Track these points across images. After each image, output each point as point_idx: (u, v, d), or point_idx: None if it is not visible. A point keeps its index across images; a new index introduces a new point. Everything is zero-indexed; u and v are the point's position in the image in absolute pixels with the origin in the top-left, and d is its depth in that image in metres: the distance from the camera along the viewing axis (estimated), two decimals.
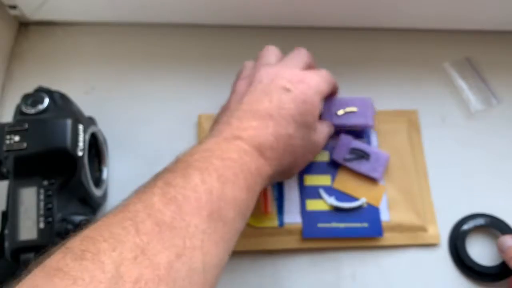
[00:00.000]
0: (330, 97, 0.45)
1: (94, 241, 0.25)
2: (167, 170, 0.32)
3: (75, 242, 0.26)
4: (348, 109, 0.46)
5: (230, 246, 0.32)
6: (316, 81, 0.39)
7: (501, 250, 0.43)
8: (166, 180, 0.30)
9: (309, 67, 0.42)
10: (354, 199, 0.45)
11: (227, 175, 0.32)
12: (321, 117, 0.44)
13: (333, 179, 0.46)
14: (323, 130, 0.43)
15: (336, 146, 0.47)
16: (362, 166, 0.46)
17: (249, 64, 0.43)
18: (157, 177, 0.31)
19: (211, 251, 0.28)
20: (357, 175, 0.46)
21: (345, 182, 0.46)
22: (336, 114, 0.46)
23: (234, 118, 0.37)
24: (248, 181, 0.33)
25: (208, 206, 0.29)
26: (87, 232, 0.27)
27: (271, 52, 0.42)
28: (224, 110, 0.39)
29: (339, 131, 0.47)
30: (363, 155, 0.46)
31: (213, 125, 0.39)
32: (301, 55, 0.42)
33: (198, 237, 0.27)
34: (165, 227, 0.26)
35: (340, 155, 0.46)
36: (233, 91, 0.41)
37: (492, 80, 0.52)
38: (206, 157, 0.32)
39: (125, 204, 0.29)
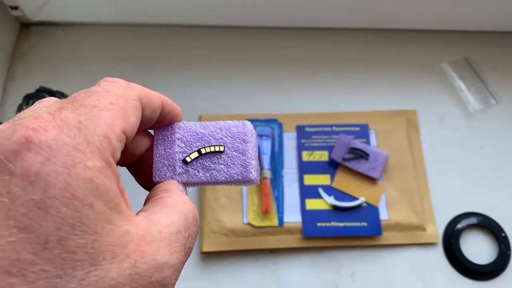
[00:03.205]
0: (166, 125, 0.23)
1: None
2: None
3: None
4: (208, 148, 0.23)
5: None
6: (76, 123, 0.16)
7: None
8: None
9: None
10: (353, 198, 0.46)
11: None
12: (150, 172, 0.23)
13: (332, 179, 0.47)
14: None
15: (335, 145, 0.47)
16: (361, 166, 0.46)
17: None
18: None
19: None
20: (356, 174, 0.47)
21: (344, 182, 0.46)
22: (183, 162, 0.23)
23: None
24: None
25: None
26: None
27: (38, 104, 0.19)
28: None
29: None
30: (362, 155, 0.46)
31: None
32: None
33: None
34: None
35: (339, 154, 0.47)
36: None
37: (490, 80, 0.53)
38: None
39: None
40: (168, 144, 0.23)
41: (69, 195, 0.15)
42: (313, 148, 0.48)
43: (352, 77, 0.53)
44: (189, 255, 0.18)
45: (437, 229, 0.46)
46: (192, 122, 0.23)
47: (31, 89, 0.42)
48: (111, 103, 0.17)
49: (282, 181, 0.47)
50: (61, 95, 0.42)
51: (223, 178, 0.22)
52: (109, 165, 0.16)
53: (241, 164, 0.22)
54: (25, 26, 0.56)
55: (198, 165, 0.22)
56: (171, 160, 0.22)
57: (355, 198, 0.46)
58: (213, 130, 0.23)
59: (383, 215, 0.45)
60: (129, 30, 0.56)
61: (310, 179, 0.47)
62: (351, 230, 0.45)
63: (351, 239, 0.45)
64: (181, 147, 0.23)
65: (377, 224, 0.45)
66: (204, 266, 0.44)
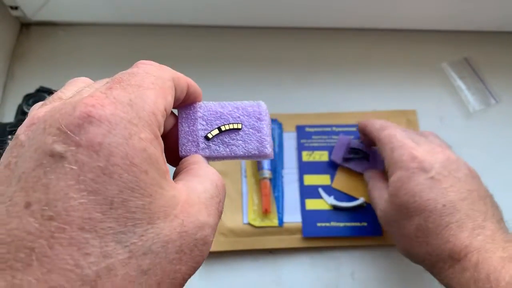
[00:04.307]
0: (189, 105, 0.26)
1: None
2: None
3: None
4: (227, 126, 0.25)
5: None
6: (127, 100, 0.18)
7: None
8: None
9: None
10: (353, 198, 0.46)
11: None
12: (178, 147, 0.25)
13: (332, 179, 0.47)
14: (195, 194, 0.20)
15: (335, 146, 0.47)
16: (360, 166, 0.46)
17: (34, 107, 0.22)
18: None
19: None
20: (356, 174, 0.47)
21: (344, 182, 0.46)
22: (205, 138, 0.25)
23: None
24: None
25: None
26: None
27: (74, 83, 0.23)
28: None
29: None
30: (362, 155, 0.46)
31: None
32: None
33: None
34: None
35: (339, 155, 0.47)
36: None
37: (490, 80, 0.53)
38: None
39: None
40: (191, 122, 0.25)
41: (128, 163, 0.17)
42: (313, 148, 0.48)
43: (352, 77, 0.53)
44: (220, 218, 0.21)
45: None
46: (211, 102, 0.25)
47: (31, 89, 0.42)
48: (152, 83, 0.20)
49: (282, 181, 0.47)
50: None
51: (241, 153, 0.25)
52: (156, 137, 0.19)
53: (257, 140, 0.25)
54: (25, 26, 0.56)
55: (219, 141, 0.25)
56: (195, 136, 0.25)
57: (355, 198, 0.46)
58: (231, 109, 0.25)
59: None
60: (129, 30, 0.56)
61: (310, 179, 0.47)
62: (351, 230, 0.45)
63: (351, 239, 0.45)
64: (203, 125, 0.25)
65: (377, 224, 0.45)
66: (203, 266, 0.44)
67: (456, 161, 0.37)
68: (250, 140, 0.25)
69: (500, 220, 0.35)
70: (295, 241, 0.45)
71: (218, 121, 0.25)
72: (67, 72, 0.53)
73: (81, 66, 0.54)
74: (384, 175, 0.43)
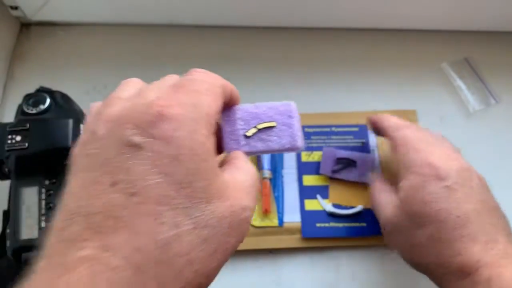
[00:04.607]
0: (229, 108, 0.29)
1: None
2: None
3: None
4: (263, 124, 0.29)
5: None
6: (191, 103, 0.22)
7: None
8: None
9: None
10: (351, 207, 0.46)
11: None
12: (221, 144, 0.28)
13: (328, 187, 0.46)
14: (237, 178, 0.24)
15: (322, 160, 0.47)
16: (351, 174, 0.46)
17: (94, 106, 0.25)
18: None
19: None
20: (349, 183, 0.46)
21: (339, 195, 0.46)
22: (244, 136, 0.28)
23: (57, 235, 0.21)
24: None
25: None
26: None
27: (130, 84, 0.25)
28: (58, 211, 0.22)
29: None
30: (349, 163, 0.46)
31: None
32: (171, 77, 0.26)
33: None
34: None
35: (327, 168, 0.46)
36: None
37: (490, 80, 0.53)
38: None
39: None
40: (232, 123, 0.28)
41: (193, 153, 0.21)
42: (312, 149, 0.48)
43: (352, 77, 0.53)
44: (256, 204, 0.25)
45: None
46: (247, 104, 0.29)
47: (31, 89, 0.42)
48: (207, 90, 0.24)
49: (282, 181, 0.47)
50: (61, 95, 0.42)
51: (277, 147, 0.28)
52: (211, 134, 0.23)
53: (290, 135, 0.28)
54: (25, 26, 0.56)
55: (256, 138, 0.28)
56: (236, 135, 0.28)
57: (353, 207, 0.45)
58: (265, 109, 0.29)
59: None
60: (129, 30, 0.56)
61: (309, 180, 0.47)
62: (350, 230, 0.45)
63: (351, 239, 0.45)
64: (241, 125, 0.28)
65: (377, 224, 0.45)
66: None
67: (468, 169, 0.37)
68: (284, 135, 0.29)
69: (509, 233, 0.35)
70: (295, 241, 0.45)
71: (254, 121, 0.29)
72: (67, 72, 0.53)
73: (81, 66, 0.54)
74: (387, 177, 0.42)
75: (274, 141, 0.28)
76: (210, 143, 0.22)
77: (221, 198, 0.22)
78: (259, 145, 0.28)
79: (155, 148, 0.21)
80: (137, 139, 0.21)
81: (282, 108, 0.29)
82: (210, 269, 0.21)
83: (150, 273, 0.19)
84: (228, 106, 0.28)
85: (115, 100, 0.23)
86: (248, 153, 0.28)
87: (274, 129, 0.29)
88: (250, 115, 0.29)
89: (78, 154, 0.23)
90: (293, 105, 0.29)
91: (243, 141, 0.28)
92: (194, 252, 0.20)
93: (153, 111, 0.21)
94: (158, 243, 0.20)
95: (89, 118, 0.24)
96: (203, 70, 0.26)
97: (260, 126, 0.29)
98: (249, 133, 0.28)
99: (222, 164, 0.26)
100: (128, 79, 0.26)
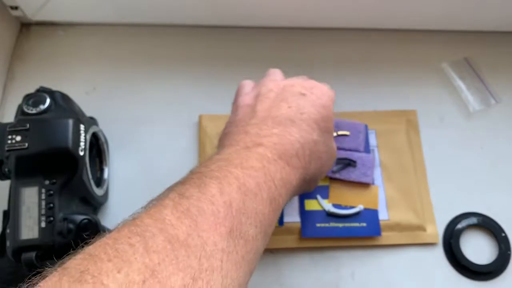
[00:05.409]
0: None
1: (96, 260, 0.21)
2: (179, 183, 0.28)
3: (74, 261, 0.22)
4: (341, 132, 0.47)
5: (252, 269, 0.27)
6: (326, 88, 0.38)
7: None
8: (178, 191, 0.26)
9: None
10: (351, 207, 0.46)
11: (249, 185, 0.28)
12: None
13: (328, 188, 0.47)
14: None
15: None
16: (351, 174, 0.46)
17: (247, 82, 0.40)
18: (168, 190, 0.28)
19: (231, 274, 0.24)
20: (349, 183, 0.46)
21: (339, 195, 0.46)
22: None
23: (251, 125, 0.34)
24: (272, 193, 0.29)
25: (227, 221, 0.25)
26: (89, 249, 0.23)
27: (277, 72, 0.40)
28: (233, 122, 0.36)
29: None
30: (349, 163, 0.46)
31: (222, 139, 0.35)
32: (299, 77, 0.40)
33: (216, 256, 0.23)
34: (178, 245, 0.23)
35: None
36: (237, 107, 0.37)
37: (490, 80, 0.53)
38: (224, 166, 0.28)
39: (133, 217, 0.25)
40: None
41: (329, 108, 0.38)
42: None
43: (352, 77, 0.53)
44: None
45: (437, 229, 0.46)
46: (334, 118, 0.39)
47: (31, 89, 0.42)
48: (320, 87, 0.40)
49: None
50: (61, 95, 0.42)
51: (348, 147, 0.47)
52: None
53: (358, 142, 0.47)
54: (25, 26, 0.56)
55: (338, 139, 0.47)
56: None
57: (354, 207, 0.45)
58: (344, 124, 0.48)
59: (383, 215, 0.45)
60: (129, 30, 0.56)
61: None
62: (350, 231, 0.44)
63: (351, 239, 0.45)
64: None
65: (377, 224, 0.45)
66: None
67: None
68: (354, 141, 0.47)
69: None
70: (295, 241, 0.45)
71: (336, 129, 0.47)
72: (67, 72, 0.53)
73: (81, 66, 0.54)
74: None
75: (346, 143, 0.47)
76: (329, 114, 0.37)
77: (329, 134, 0.37)
78: (336, 143, 0.41)
79: (313, 97, 0.36)
80: (304, 91, 0.36)
81: (353, 124, 0.48)
82: (329, 166, 0.39)
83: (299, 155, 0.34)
84: None
85: (277, 75, 0.39)
86: None
87: (348, 136, 0.47)
88: (335, 125, 0.44)
89: (258, 99, 0.37)
90: (362, 124, 0.48)
91: None
92: (321, 151, 0.36)
93: (307, 84, 0.37)
94: (311, 139, 0.34)
95: (264, 82, 0.38)
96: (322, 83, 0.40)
97: (339, 133, 0.47)
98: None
99: None
100: (274, 69, 0.40)
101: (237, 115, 0.36)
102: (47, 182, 0.38)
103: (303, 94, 0.36)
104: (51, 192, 0.37)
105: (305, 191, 0.39)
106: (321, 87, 0.37)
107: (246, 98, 0.37)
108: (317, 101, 0.36)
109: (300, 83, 0.37)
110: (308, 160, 0.34)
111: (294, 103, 0.35)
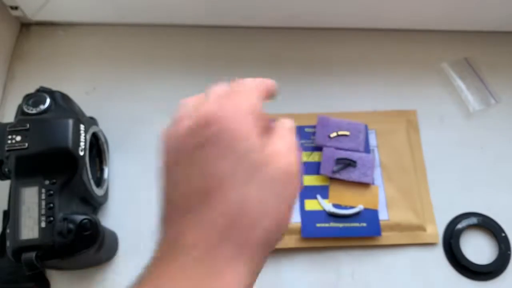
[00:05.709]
0: (325, 117, 0.48)
1: None
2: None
3: None
4: (341, 132, 0.47)
5: None
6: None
7: None
8: None
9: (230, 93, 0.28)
10: (351, 207, 0.46)
11: None
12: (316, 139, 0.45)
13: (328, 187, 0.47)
14: (281, 145, 0.26)
15: (322, 161, 0.47)
16: (351, 174, 0.46)
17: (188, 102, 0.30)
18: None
19: None
20: (349, 183, 0.46)
21: (339, 195, 0.46)
22: (329, 137, 0.47)
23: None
24: None
25: None
26: None
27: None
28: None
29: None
30: (349, 163, 0.46)
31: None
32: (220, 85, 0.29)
33: None
34: None
35: (328, 168, 0.46)
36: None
37: (490, 80, 0.53)
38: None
39: None
40: (329, 129, 0.48)
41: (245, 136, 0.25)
42: (313, 149, 0.48)
43: (352, 77, 0.53)
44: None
45: (437, 229, 0.46)
46: (334, 118, 0.45)
47: (31, 89, 0.42)
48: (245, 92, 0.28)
49: None
50: (61, 95, 0.42)
51: (347, 147, 0.47)
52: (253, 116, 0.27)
53: (358, 142, 0.47)
54: (25, 26, 0.56)
55: (339, 138, 0.47)
56: (323, 134, 0.47)
57: (354, 207, 0.45)
58: (344, 124, 0.47)
59: (383, 215, 0.45)
60: (129, 30, 0.56)
61: (309, 180, 0.47)
62: (350, 231, 0.44)
63: (351, 239, 0.45)
64: (329, 130, 0.47)
65: (376, 224, 0.45)
66: None
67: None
68: (353, 141, 0.47)
69: None
70: (295, 241, 0.45)
71: (337, 129, 0.47)
72: (67, 72, 0.53)
73: (81, 66, 0.54)
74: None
75: (346, 143, 0.47)
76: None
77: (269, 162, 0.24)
78: (335, 143, 0.47)
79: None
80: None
81: (353, 125, 0.48)
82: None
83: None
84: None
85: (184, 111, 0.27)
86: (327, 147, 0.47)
87: (347, 136, 0.47)
88: (335, 125, 0.48)
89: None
90: (362, 125, 0.48)
91: (327, 139, 0.47)
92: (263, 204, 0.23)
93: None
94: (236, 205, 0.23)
95: (191, 107, 0.27)
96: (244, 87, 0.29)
97: (339, 133, 0.47)
98: (332, 135, 0.47)
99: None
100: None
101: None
102: (47, 182, 0.38)
103: (201, 145, 0.25)
104: (51, 192, 0.37)
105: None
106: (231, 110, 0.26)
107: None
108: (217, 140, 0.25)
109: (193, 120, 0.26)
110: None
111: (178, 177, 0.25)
